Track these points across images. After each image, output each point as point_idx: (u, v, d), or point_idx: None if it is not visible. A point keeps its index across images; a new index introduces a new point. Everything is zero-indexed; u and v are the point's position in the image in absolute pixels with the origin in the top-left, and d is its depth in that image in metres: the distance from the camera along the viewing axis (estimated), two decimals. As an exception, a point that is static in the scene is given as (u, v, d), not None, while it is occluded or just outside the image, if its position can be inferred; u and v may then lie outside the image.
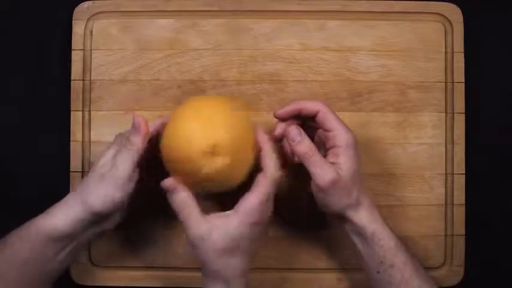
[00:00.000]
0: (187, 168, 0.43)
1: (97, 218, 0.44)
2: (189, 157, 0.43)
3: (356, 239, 0.47)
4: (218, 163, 0.43)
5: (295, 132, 0.46)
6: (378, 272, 0.46)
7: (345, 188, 0.45)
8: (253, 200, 0.44)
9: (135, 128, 0.45)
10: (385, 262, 0.46)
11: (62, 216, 0.44)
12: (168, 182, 0.44)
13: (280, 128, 0.48)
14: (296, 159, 0.47)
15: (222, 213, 0.44)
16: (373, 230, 0.46)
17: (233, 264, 0.44)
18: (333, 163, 0.46)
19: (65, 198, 0.45)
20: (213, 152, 0.43)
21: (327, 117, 0.46)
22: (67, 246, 0.45)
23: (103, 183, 0.44)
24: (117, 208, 0.45)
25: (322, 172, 0.45)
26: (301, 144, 0.46)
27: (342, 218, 0.47)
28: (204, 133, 0.43)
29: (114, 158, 0.45)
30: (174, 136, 0.44)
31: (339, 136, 0.46)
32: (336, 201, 0.46)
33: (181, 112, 0.45)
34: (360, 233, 0.46)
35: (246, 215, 0.44)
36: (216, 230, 0.43)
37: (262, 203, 0.44)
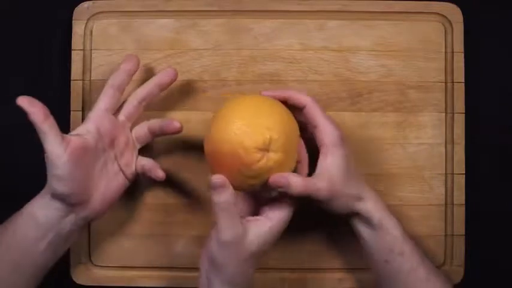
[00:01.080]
0: (239, 163, 0.42)
1: (63, 204, 0.44)
2: (244, 151, 0.42)
3: (363, 230, 0.47)
4: (272, 159, 0.42)
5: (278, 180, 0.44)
6: (386, 261, 0.46)
7: (342, 188, 0.45)
8: (286, 212, 0.44)
9: None
10: (394, 250, 0.46)
11: (37, 202, 0.45)
12: (218, 179, 0.42)
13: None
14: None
15: (253, 218, 0.44)
16: (380, 217, 0.46)
17: (251, 270, 0.44)
18: (322, 166, 0.45)
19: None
20: (267, 147, 0.42)
21: (314, 113, 0.46)
22: (46, 235, 0.45)
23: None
24: (76, 191, 0.44)
25: (317, 187, 0.44)
26: (292, 185, 0.44)
27: (349, 215, 0.47)
28: (260, 127, 0.42)
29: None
30: (227, 129, 0.42)
31: (325, 133, 0.46)
32: (339, 204, 0.46)
33: (235, 105, 0.45)
34: (368, 222, 0.46)
35: (277, 223, 0.44)
36: (250, 233, 0.43)
37: (291, 214, 0.45)
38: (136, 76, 0.51)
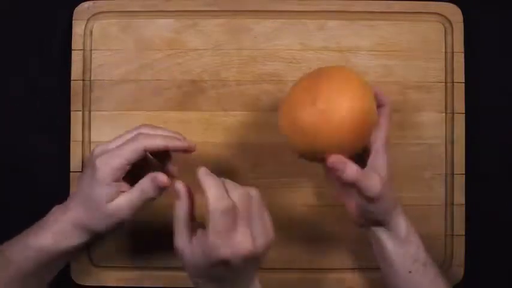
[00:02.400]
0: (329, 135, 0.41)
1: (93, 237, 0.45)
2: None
3: (388, 241, 0.46)
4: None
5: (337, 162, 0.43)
6: (410, 272, 0.46)
7: (388, 191, 0.44)
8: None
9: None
10: (418, 260, 0.45)
11: (53, 234, 0.44)
12: (180, 186, 0.42)
13: None
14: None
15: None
16: (407, 228, 0.46)
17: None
18: (372, 166, 0.45)
19: (54, 214, 0.45)
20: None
21: (385, 114, 0.45)
22: (58, 262, 0.45)
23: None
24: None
25: (371, 182, 0.43)
26: (347, 171, 0.43)
27: (379, 224, 0.46)
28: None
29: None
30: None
31: (381, 134, 0.45)
32: (381, 207, 0.45)
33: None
34: (395, 232, 0.46)
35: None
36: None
37: None
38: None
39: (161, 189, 0.44)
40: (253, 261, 0.41)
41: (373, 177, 0.43)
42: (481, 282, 0.55)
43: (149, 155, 0.47)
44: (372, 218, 0.45)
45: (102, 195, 0.43)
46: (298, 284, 0.55)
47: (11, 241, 0.45)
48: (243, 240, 0.40)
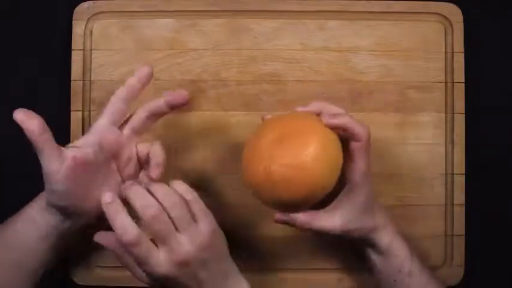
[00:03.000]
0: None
1: (59, 212, 0.44)
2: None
3: (371, 255, 0.48)
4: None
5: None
6: (395, 280, 0.47)
7: (357, 224, 0.45)
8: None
9: None
10: (403, 271, 0.46)
11: (36, 205, 0.45)
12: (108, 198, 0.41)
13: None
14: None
15: None
16: (388, 243, 0.46)
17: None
18: (345, 198, 0.46)
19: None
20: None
21: (362, 151, 0.44)
22: (47, 235, 0.45)
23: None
24: (71, 204, 0.43)
25: (326, 223, 0.45)
26: (297, 222, 0.45)
27: (363, 241, 0.47)
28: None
29: None
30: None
31: (357, 171, 0.44)
32: (358, 234, 0.46)
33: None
34: (376, 248, 0.47)
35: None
36: None
37: None
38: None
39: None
40: (209, 258, 0.42)
41: (329, 218, 0.45)
42: (481, 282, 0.55)
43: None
44: (355, 236, 0.46)
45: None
46: (298, 284, 0.55)
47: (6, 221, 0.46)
48: (176, 247, 0.41)
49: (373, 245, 0.47)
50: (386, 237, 0.46)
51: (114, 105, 0.45)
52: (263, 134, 0.44)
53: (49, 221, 0.44)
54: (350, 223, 0.45)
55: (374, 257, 0.48)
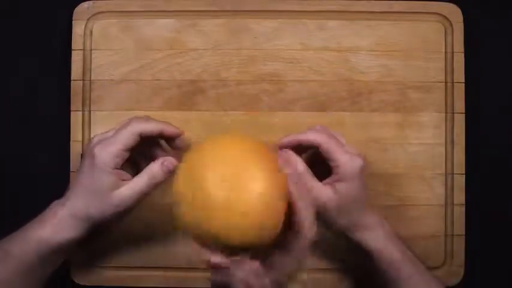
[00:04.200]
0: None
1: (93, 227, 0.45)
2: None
3: (364, 256, 0.48)
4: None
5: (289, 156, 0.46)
6: (390, 283, 0.47)
7: (342, 209, 0.46)
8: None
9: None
10: (398, 276, 0.47)
11: (52, 226, 0.45)
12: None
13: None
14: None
15: None
16: (376, 249, 0.47)
17: None
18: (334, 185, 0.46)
19: (53, 208, 0.46)
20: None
21: (331, 151, 0.46)
22: (59, 257, 0.46)
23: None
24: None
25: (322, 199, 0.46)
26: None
27: (350, 240, 0.48)
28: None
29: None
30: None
31: (345, 170, 0.46)
32: (337, 226, 0.47)
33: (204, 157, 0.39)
34: (365, 252, 0.48)
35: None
36: None
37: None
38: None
39: (169, 173, 0.45)
40: None
41: (324, 190, 0.46)
42: (481, 282, 0.55)
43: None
44: (332, 228, 0.48)
45: (103, 183, 0.44)
46: (298, 284, 0.55)
47: (10, 236, 0.45)
48: None
49: (359, 246, 0.48)
50: (375, 241, 0.47)
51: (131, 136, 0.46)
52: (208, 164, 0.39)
53: (71, 237, 0.45)
54: (342, 200, 0.46)
55: (366, 260, 0.48)
